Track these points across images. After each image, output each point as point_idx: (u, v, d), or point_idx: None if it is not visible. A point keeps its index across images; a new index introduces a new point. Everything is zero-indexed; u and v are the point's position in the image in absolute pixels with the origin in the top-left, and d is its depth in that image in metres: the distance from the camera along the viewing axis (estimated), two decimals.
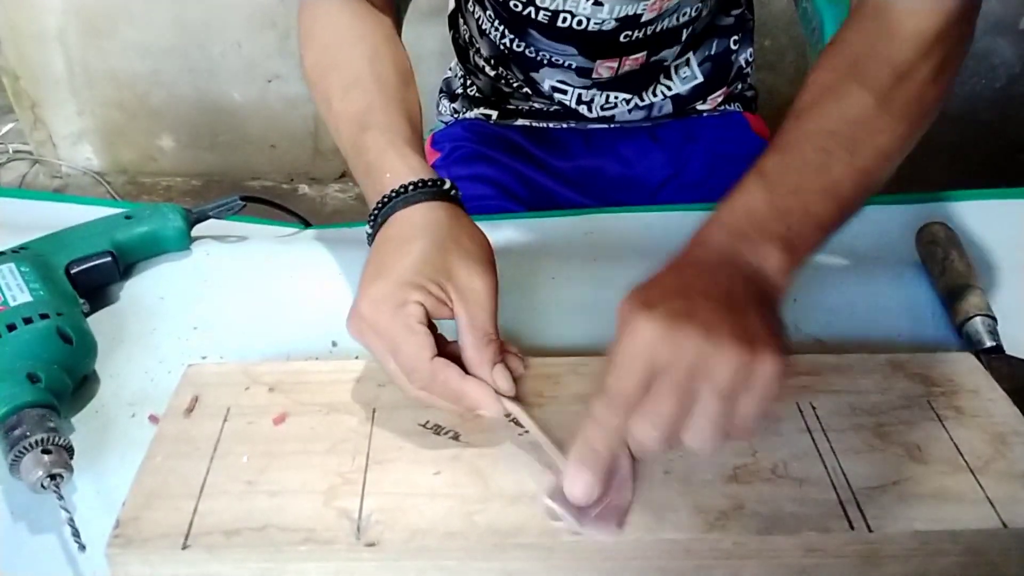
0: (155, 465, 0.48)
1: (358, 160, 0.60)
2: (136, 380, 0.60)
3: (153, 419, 0.56)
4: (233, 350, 0.63)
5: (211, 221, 0.75)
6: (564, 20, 0.80)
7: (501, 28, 0.86)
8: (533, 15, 0.81)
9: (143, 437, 0.51)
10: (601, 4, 0.78)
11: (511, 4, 0.80)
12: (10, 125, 2.30)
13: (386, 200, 0.55)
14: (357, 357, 0.62)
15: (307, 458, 0.49)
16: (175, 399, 0.53)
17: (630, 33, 0.82)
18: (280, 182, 2.23)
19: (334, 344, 0.63)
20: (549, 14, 0.80)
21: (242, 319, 0.66)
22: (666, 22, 0.83)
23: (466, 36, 0.96)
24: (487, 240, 0.55)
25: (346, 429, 0.51)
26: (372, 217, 0.56)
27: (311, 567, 0.44)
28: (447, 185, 0.56)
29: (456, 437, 0.50)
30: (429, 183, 0.55)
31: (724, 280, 0.46)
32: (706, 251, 0.48)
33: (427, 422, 0.51)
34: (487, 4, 0.86)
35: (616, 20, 0.80)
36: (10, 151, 2.27)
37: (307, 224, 0.81)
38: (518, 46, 0.86)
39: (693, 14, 0.84)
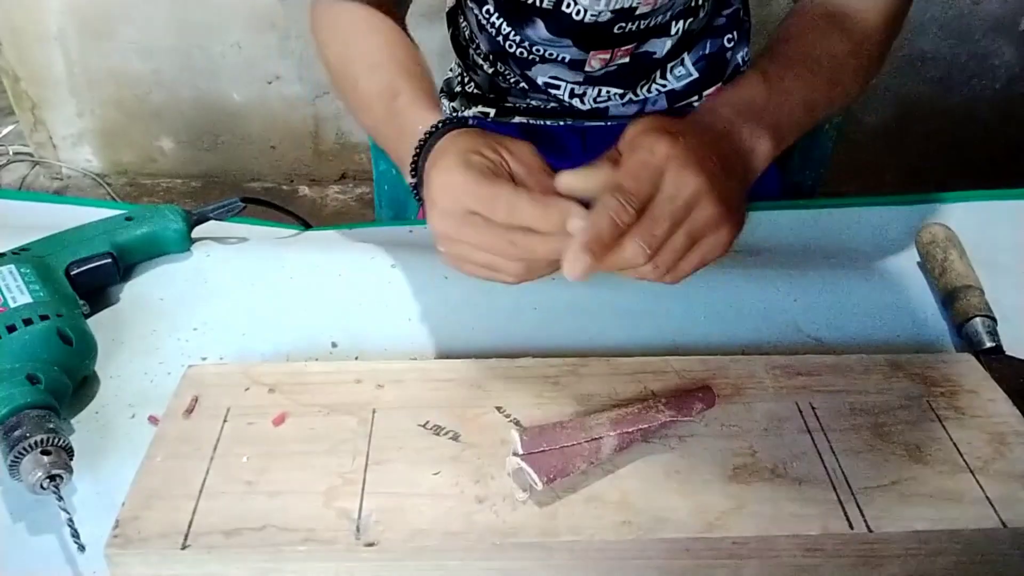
0: (155, 465, 0.48)
1: (391, 126, 0.64)
2: (136, 381, 0.60)
3: (153, 420, 0.56)
4: (233, 351, 0.63)
5: (211, 222, 0.75)
6: (568, 6, 0.81)
7: (499, 22, 0.86)
8: (538, 3, 0.81)
9: (143, 438, 0.51)
10: None
11: None
12: (10, 127, 2.30)
13: (423, 142, 0.59)
14: (357, 358, 0.62)
15: (307, 458, 0.49)
16: (175, 400, 0.53)
17: (624, 25, 0.83)
18: (280, 183, 2.23)
19: (334, 345, 0.63)
20: (553, 2, 0.80)
21: (242, 320, 0.66)
22: (660, 18, 0.83)
23: (466, 33, 0.96)
24: None
25: (346, 429, 0.51)
26: (413, 162, 0.59)
27: (311, 567, 0.44)
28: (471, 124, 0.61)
29: (456, 437, 0.50)
30: (456, 120, 0.59)
31: (725, 147, 0.53)
32: (714, 119, 0.55)
33: (427, 422, 0.51)
34: (484, 19, 0.86)
35: (612, 12, 0.80)
36: (10, 153, 2.27)
37: (307, 225, 0.81)
38: (510, 46, 0.87)
39: (681, 7, 0.84)
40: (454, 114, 1.01)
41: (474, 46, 0.95)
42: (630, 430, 0.48)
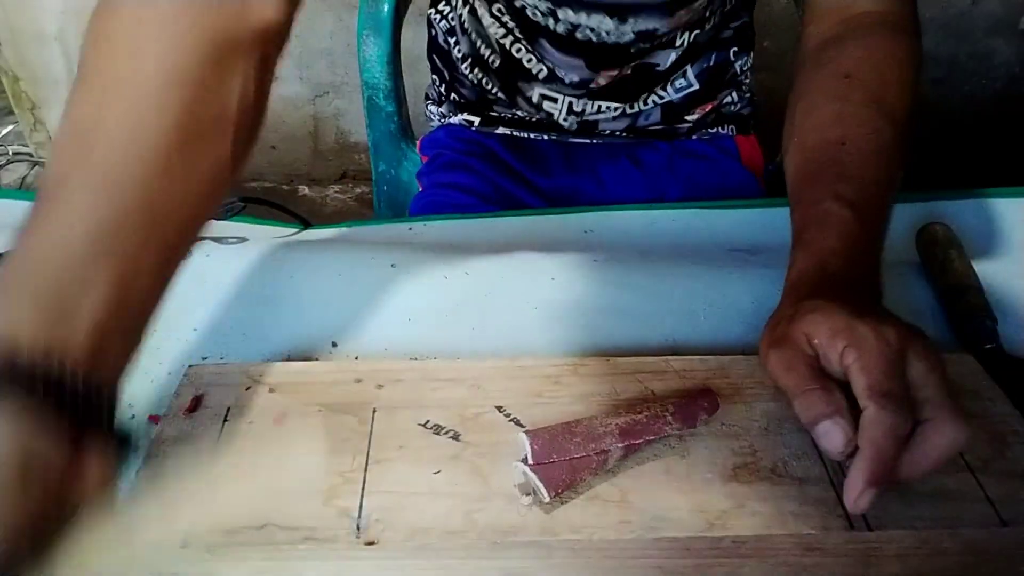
0: (155, 465, 0.48)
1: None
2: (136, 381, 0.60)
3: (153, 419, 0.56)
4: (233, 351, 0.63)
5: (211, 222, 0.75)
6: (583, 33, 0.80)
7: (508, 39, 0.85)
8: (551, 26, 0.80)
9: (143, 438, 0.51)
10: (625, 21, 0.78)
11: (528, 12, 0.80)
12: (10, 127, 2.30)
13: None
14: (357, 358, 0.62)
15: (307, 458, 0.49)
16: (176, 399, 0.53)
17: (644, 45, 0.82)
18: (280, 183, 2.23)
19: (334, 344, 0.63)
20: (569, 27, 0.80)
21: (242, 320, 0.66)
22: (672, 33, 0.83)
23: (440, 39, 0.95)
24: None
25: (346, 429, 0.51)
26: None
27: (311, 566, 0.44)
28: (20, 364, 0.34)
29: (456, 437, 0.50)
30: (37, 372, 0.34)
31: (876, 294, 0.52)
32: (841, 279, 0.52)
33: (427, 422, 0.51)
34: (492, 17, 0.85)
35: (634, 33, 0.80)
36: (10, 153, 2.27)
37: (307, 225, 0.81)
38: (517, 51, 0.86)
39: (694, 18, 0.84)
40: (439, 120, 1.00)
41: (456, 50, 0.94)
42: (637, 442, 0.48)
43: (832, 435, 0.44)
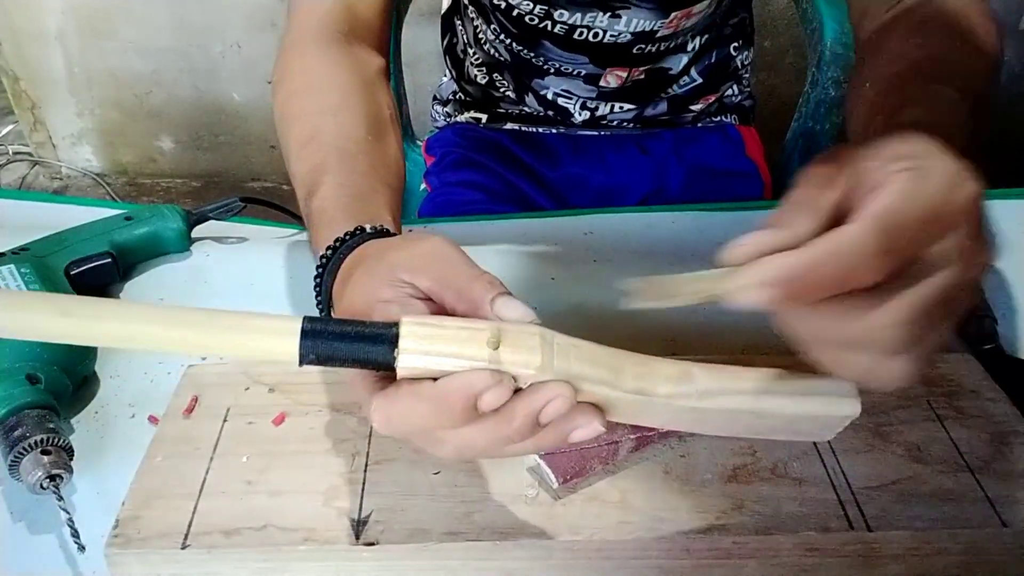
0: (155, 465, 0.48)
1: (308, 224, 0.54)
2: (136, 381, 0.60)
3: (153, 420, 0.56)
4: None
5: (211, 222, 0.75)
6: (580, 34, 0.81)
7: (508, 41, 0.86)
8: (550, 28, 0.81)
9: (143, 438, 0.51)
10: (619, 16, 0.79)
11: (526, 19, 0.81)
12: (10, 126, 2.30)
13: (320, 268, 0.48)
14: None
15: (307, 458, 0.49)
16: (175, 399, 0.53)
17: (643, 47, 0.83)
18: (280, 183, 2.23)
19: None
20: (566, 27, 0.80)
21: None
22: (680, 39, 0.84)
23: (463, 39, 0.96)
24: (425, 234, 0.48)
25: (346, 429, 0.51)
26: (316, 286, 0.48)
27: (311, 567, 0.44)
28: (368, 230, 0.48)
29: None
30: (357, 232, 0.47)
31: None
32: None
33: None
34: (492, 19, 0.86)
35: (632, 34, 0.81)
36: (10, 152, 2.27)
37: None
38: (526, 55, 0.87)
39: (702, 26, 0.84)
40: (446, 120, 1.01)
41: (471, 55, 0.95)
42: (648, 432, 0.48)
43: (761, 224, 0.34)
